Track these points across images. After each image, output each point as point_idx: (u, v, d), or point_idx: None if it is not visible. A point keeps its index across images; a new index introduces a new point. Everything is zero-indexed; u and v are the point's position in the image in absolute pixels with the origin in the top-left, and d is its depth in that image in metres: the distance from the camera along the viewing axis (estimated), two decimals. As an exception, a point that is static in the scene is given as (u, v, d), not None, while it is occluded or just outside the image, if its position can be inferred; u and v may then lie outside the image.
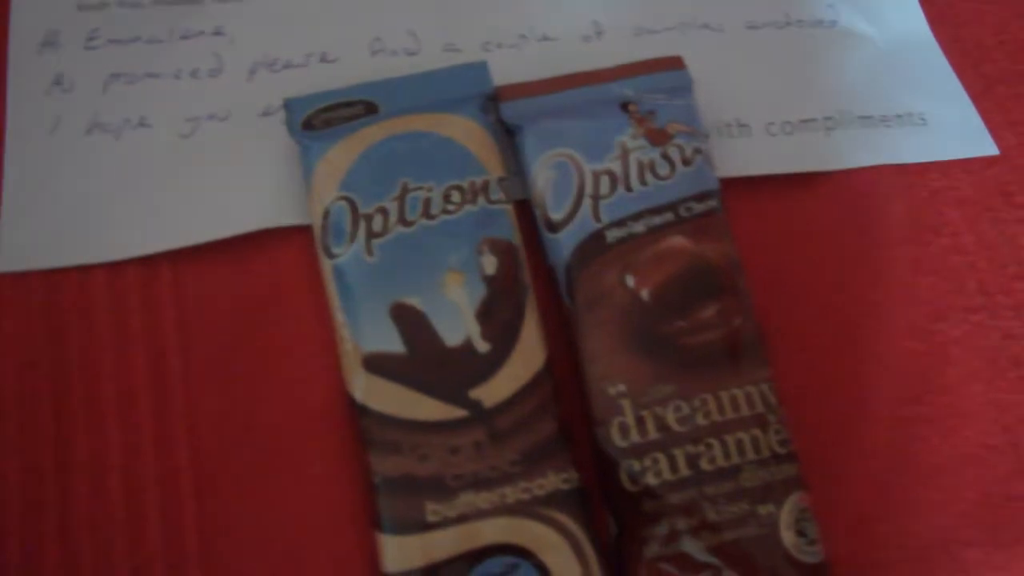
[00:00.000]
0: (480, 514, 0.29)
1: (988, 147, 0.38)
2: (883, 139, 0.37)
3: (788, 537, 0.30)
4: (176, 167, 0.35)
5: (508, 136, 0.34)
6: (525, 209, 0.34)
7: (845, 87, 0.38)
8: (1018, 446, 0.34)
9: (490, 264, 0.32)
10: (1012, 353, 0.35)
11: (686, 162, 0.33)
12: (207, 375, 0.32)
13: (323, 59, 0.37)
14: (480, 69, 0.35)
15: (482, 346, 0.31)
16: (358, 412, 0.30)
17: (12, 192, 0.34)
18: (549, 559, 0.29)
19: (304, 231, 0.34)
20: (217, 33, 0.37)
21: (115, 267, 0.34)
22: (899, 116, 0.38)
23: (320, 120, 0.34)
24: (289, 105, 0.34)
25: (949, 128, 0.38)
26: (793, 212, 0.36)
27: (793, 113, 0.37)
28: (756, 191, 0.35)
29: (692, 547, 0.30)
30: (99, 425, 0.32)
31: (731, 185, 0.34)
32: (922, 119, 0.38)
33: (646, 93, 0.34)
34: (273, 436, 0.32)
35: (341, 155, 0.33)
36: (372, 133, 0.33)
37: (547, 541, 0.29)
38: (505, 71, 0.35)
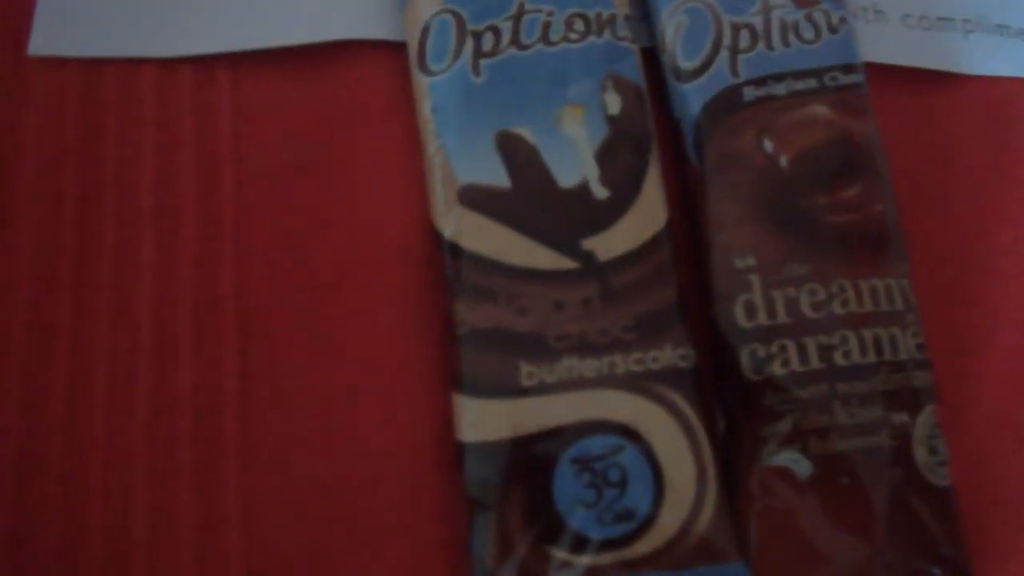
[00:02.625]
0: (584, 383, 0.23)
1: None
2: (1020, 52, 0.31)
3: (920, 452, 0.24)
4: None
5: (635, -26, 0.28)
6: (649, 61, 0.27)
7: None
8: None
9: (614, 103, 0.25)
10: None
11: (832, 29, 0.27)
12: (264, 195, 0.26)
13: None
14: None
15: (600, 192, 0.24)
16: (447, 251, 0.24)
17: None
18: (658, 443, 0.23)
19: (394, 48, 0.27)
20: None
21: (167, 65, 0.27)
22: (1036, 31, 0.32)
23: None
24: (388, -98, 0.27)
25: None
26: (922, 111, 0.30)
27: (931, 8, 0.31)
28: (885, 82, 0.29)
29: (818, 450, 0.24)
30: (131, 238, 0.25)
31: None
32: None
33: (791, -48, 0.28)
34: (336, 272, 0.25)
35: (448, -35, 0.26)
36: (486, -56, 0.26)
37: (659, 423, 0.23)
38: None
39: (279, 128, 0.26)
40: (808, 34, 0.27)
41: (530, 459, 0.23)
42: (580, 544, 0.22)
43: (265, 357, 0.24)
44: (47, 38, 0.26)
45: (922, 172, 0.29)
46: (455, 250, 0.24)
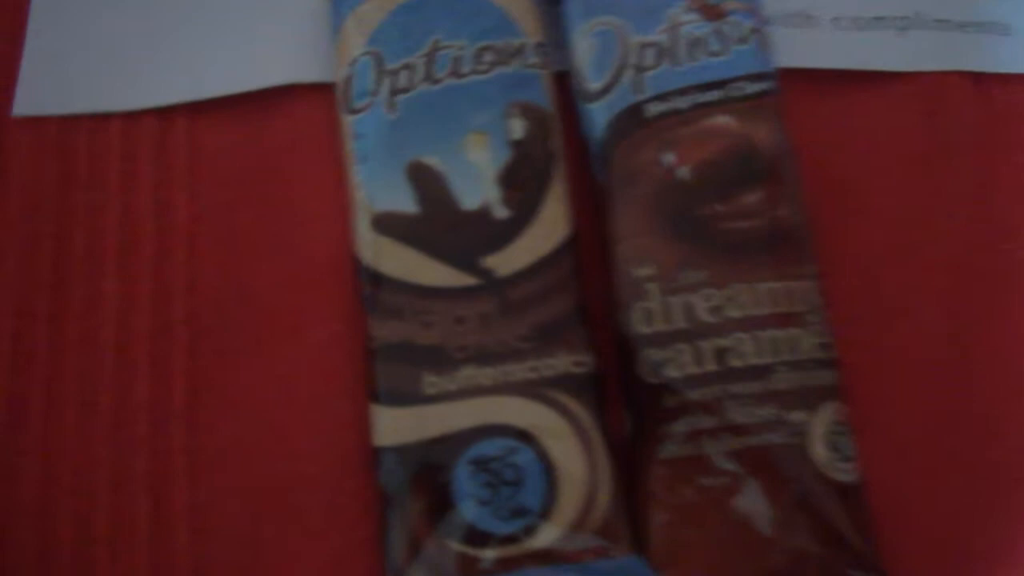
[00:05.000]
0: (481, 391, 0.25)
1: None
2: (960, 45, 0.32)
3: (819, 450, 0.25)
4: (199, 18, 0.31)
5: (550, 2, 0.30)
6: (564, 83, 0.29)
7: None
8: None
9: (518, 128, 0.27)
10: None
11: (741, 40, 0.28)
12: (213, 229, 0.29)
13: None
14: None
15: (500, 212, 0.26)
16: (363, 274, 0.26)
17: (34, 38, 0.31)
18: (552, 446, 0.25)
19: (327, 89, 0.29)
20: None
21: (132, 117, 0.30)
22: (980, 23, 0.32)
23: (355, -24, 0.29)
24: (323, -43, 0.30)
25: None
26: (856, 111, 0.31)
27: (864, 9, 0.32)
28: (818, 86, 0.30)
29: (712, 449, 0.25)
30: (97, 272, 0.28)
31: (791, 78, 0.29)
32: (1005, 28, 0.32)
33: (704, -33, 0.29)
34: (274, 298, 0.28)
35: (373, 9, 0.29)
36: (406, -11, 0.29)
37: (552, 426, 0.25)
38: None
39: (228, 167, 0.29)
40: (716, 46, 0.28)
41: (433, 461, 0.25)
42: (481, 539, 0.25)
43: (212, 374, 0.27)
44: (29, 100, 0.30)
45: (850, 170, 0.30)
46: (370, 273, 0.26)
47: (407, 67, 0.28)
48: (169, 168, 0.29)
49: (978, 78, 0.32)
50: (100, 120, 0.30)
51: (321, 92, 0.30)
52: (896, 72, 0.31)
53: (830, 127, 0.31)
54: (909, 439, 0.28)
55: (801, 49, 0.31)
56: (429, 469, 0.25)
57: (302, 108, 0.30)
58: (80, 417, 0.27)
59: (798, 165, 0.28)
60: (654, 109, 0.28)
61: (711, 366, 0.26)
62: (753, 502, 0.25)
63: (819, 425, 0.26)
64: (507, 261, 0.26)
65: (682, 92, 0.28)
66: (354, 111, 0.28)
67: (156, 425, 0.27)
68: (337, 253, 0.28)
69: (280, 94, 0.30)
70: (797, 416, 0.26)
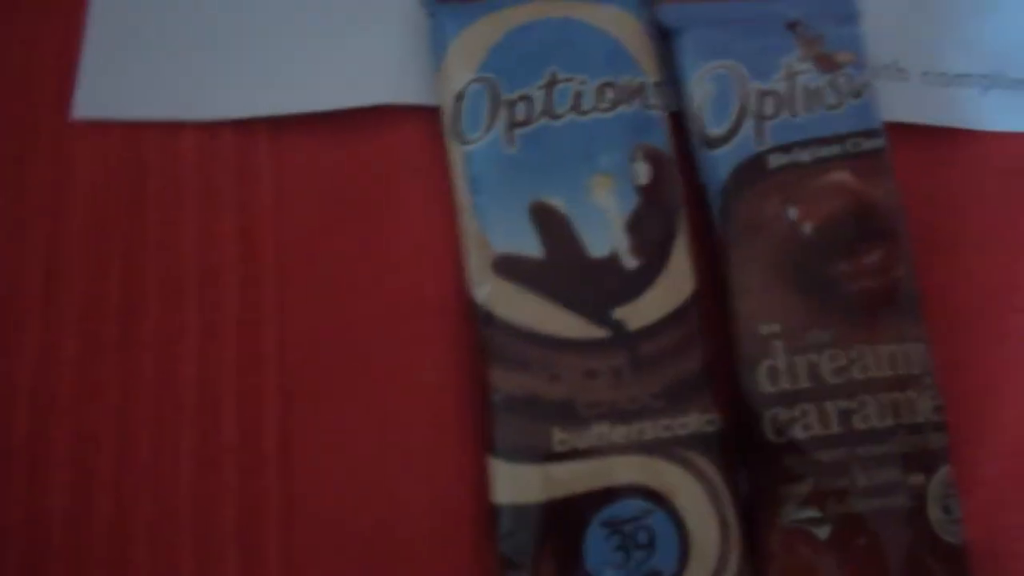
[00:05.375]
0: (613, 449, 0.24)
1: None
2: (1036, 105, 0.32)
3: (934, 512, 0.25)
4: (281, 27, 0.29)
5: (663, 40, 0.29)
6: (675, 123, 0.28)
7: (1005, 47, 0.33)
8: None
9: (644, 173, 0.26)
10: None
11: (855, 94, 0.28)
12: (303, 258, 0.27)
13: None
14: (638, -37, 0.29)
15: (630, 261, 0.25)
16: (481, 319, 0.25)
17: (97, 29, 0.28)
18: (684, 506, 0.24)
19: (425, 113, 0.28)
20: None
21: (209, 128, 0.28)
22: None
23: (459, -5, 0.28)
24: (423, -27, 0.28)
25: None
26: (940, 168, 0.31)
27: (951, 65, 0.32)
28: (907, 140, 0.30)
29: (834, 511, 0.25)
30: (175, 300, 0.26)
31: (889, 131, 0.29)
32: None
33: (814, 15, 0.29)
34: (374, 335, 0.26)
35: (481, 34, 0.27)
36: (517, 13, 0.28)
37: (685, 486, 0.24)
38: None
39: (318, 191, 0.27)
40: (832, 99, 0.28)
41: (561, 522, 0.24)
42: (614, 605, 0.24)
43: (306, 416, 0.26)
44: (91, 101, 0.27)
45: (938, 230, 0.30)
46: (489, 318, 0.25)
47: (524, 98, 0.26)
48: (253, 188, 0.27)
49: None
50: (171, 130, 0.27)
51: (420, 115, 0.28)
52: (980, 131, 0.31)
53: (913, 182, 0.31)
54: (997, 501, 0.28)
55: (892, 103, 0.31)
56: (557, 530, 0.24)
57: (400, 132, 0.28)
58: (158, 460, 0.25)
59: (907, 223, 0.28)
60: (777, 160, 0.27)
61: (836, 428, 0.25)
62: (871, 564, 0.25)
63: (935, 487, 0.26)
64: (638, 314, 0.25)
65: (803, 145, 0.27)
66: (467, 141, 0.26)
67: (246, 472, 0.25)
68: (444, 291, 0.26)
69: (374, 115, 0.28)
70: (916, 479, 0.26)
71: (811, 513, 0.25)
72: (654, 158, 0.26)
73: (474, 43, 0.27)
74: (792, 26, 0.29)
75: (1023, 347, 0.29)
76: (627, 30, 0.28)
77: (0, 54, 0.28)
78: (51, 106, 0.27)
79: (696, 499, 0.24)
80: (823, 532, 0.25)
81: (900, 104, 0.31)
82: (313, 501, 0.25)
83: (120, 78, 0.28)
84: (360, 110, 0.28)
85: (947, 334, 0.29)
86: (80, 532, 0.24)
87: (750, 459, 0.26)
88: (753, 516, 0.26)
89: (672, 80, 0.29)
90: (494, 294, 0.25)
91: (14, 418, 0.25)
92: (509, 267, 0.25)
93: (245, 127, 0.28)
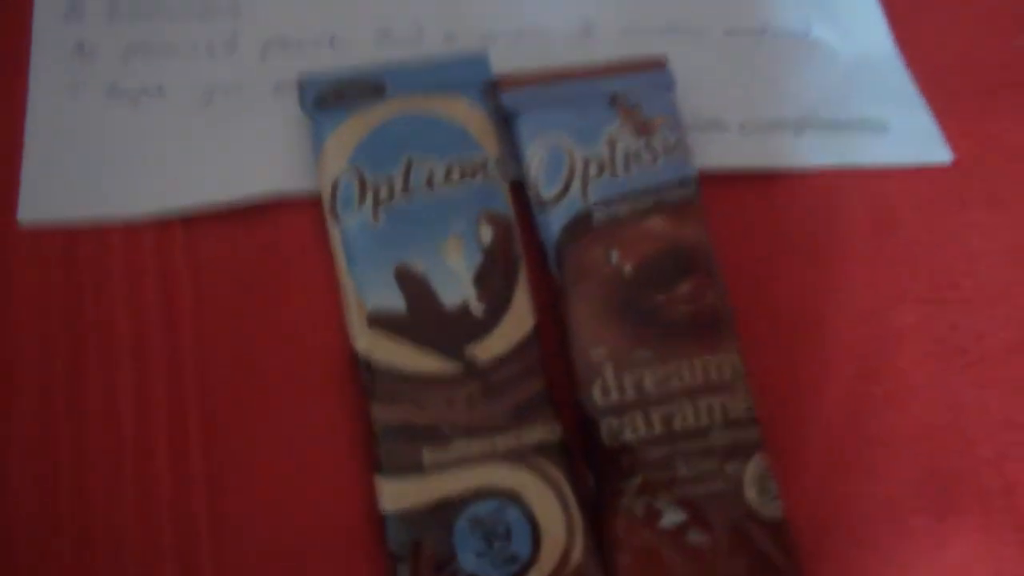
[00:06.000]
0: (473, 460, 0.34)
1: (944, 155, 0.43)
2: (847, 143, 0.43)
3: (751, 493, 0.35)
4: (190, 133, 0.40)
5: (504, 122, 0.39)
6: (517, 191, 0.38)
7: (814, 93, 0.43)
8: (961, 426, 0.39)
9: (487, 234, 0.36)
10: (957, 342, 0.40)
11: (668, 151, 0.39)
12: (219, 325, 0.37)
13: (331, 43, 0.41)
14: (481, 58, 0.40)
15: (477, 308, 0.35)
16: (362, 364, 0.35)
17: (33, 149, 0.39)
18: (535, 503, 0.34)
19: (310, 200, 0.38)
20: (233, 12, 0.42)
21: (131, 228, 0.38)
22: (862, 122, 0.43)
23: (331, 98, 0.38)
24: (302, 82, 0.39)
25: (908, 136, 0.43)
26: (762, 205, 0.41)
27: (765, 114, 0.42)
28: (730, 185, 0.41)
29: (664, 498, 0.35)
30: (112, 367, 0.36)
31: (706, 178, 0.40)
32: (883, 126, 0.43)
33: (633, 89, 0.40)
34: (280, 382, 0.36)
35: (351, 131, 0.38)
36: (380, 112, 0.38)
37: (533, 487, 0.34)
38: (501, 61, 0.40)
39: (228, 270, 0.38)
40: (647, 157, 0.38)
41: (435, 521, 0.34)
42: (479, 585, 0.34)
43: (228, 449, 0.36)
44: (30, 207, 0.38)
45: (760, 257, 0.40)
46: (367, 363, 0.35)
47: (387, 180, 0.37)
48: (172, 274, 0.37)
49: (863, 172, 0.43)
50: (100, 231, 0.38)
51: (306, 202, 0.38)
52: (793, 170, 0.42)
53: (739, 220, 0.41)
54: (818, 481, 0.38)
55: (713, 153, 0.41)
56: (431, 529, 0.34)
57: (289, 217, 0.38)
58: (107, 494, 0.35)
59: (717, 257, 0.38)
60: (600, 215, 0.37)
61: (659, 429, 0.35)
62: (700, 540, 0.35)
63: (750, 473, 0.36)
64: (486, 350, 0.35)
65: (622, 199, 0.38)
66: (342, 220, 0.37)
67: (178, 490, 0.35)
68: (332, 344, 0.37)
69: (267, 205, 0.38)
70: (732, 467, 0.35)
71: (646, 500, 0.35)
72: (496, 221, 0.37)
73: (345, 138, 0.38)
74: (614, 100, 0.39)
75: (838, 353, 0.39)
76: (471, 117, 0.38)
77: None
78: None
79: (543, 496, 0.34)
80: (657, 516, 0.35)
81: (722, 153, 0.41)
82: (237, 518, 0.35)
83: (54, 187, 0.38)
84: (256, 202, 0.38)
85: (772, 344, 0.39)
86: (44, 556, 0.34)
87: (593, 461, 0.36)
88: (600, 509, 0.36)
89: (513, 154, 0.39)
90: (370, 344, 0.35)
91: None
92: (381, 320, 0.35)
93: (162, 225, 0.38)
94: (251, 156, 0.39)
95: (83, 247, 0.38)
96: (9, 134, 0.39)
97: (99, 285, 0.37)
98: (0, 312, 0.37)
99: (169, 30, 0.41)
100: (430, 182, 0.37)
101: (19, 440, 0.35)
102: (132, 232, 0.38)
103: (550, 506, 0.34)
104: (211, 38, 0.41)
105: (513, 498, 0.34)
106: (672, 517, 0.35)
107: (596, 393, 0.36)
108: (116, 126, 0.39)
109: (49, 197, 0.38)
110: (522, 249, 0.37)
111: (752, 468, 0.36)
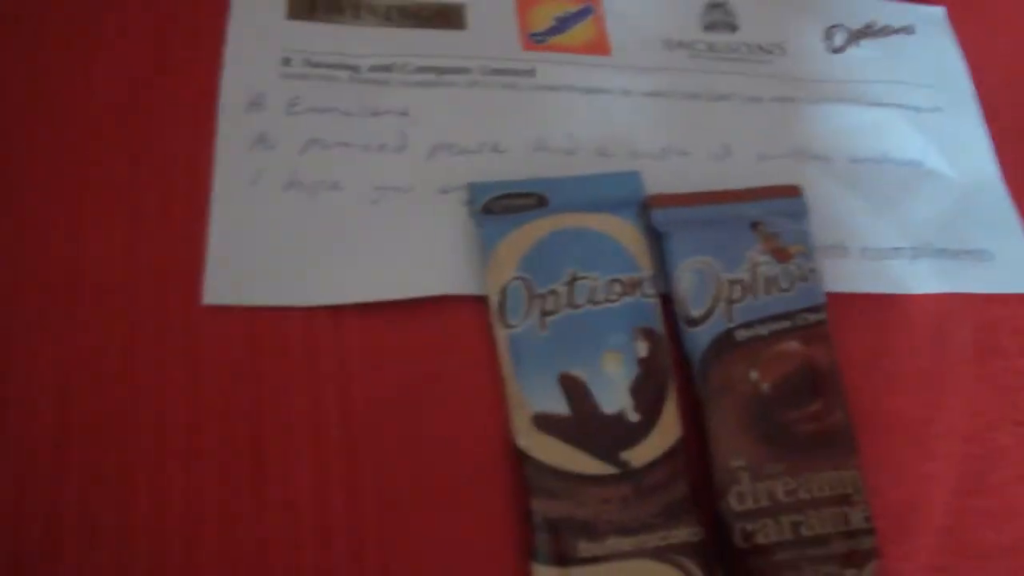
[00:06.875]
0: (623, 555, 0.40)
1: (1042, 284, 0.49)
2: (956, 270, 0.48)
3: (864, 598, 0.41)
4: (364, 229, 0.45)
5: (655, 238, 0.45)
6: (664, 301, 0.44)
7: (927, 222, 0.49)
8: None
9: (643, 348, 0.42)
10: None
11: (803, 279, 0.44)
12: (388, 417, 0.42)
13: (494, 149, 0.47)
14: (634, 177, 0.46)
15: (633, 416, 0.41)
16: (524, 461, 0.41)
17: (217, 234, 0.44)
18: (677, 598, 0.40)
19: (473, 301, 0.44)
20: (403, 113, 0.47)
21: (308, 315, 0.44)
22: (970, 251, 0.49)
23: (498, 206, 0.44)
24: (472, 189, 0.44)
25: (1012, 265, 0.49)
26: (879, 326, 0.47)
27: (884, 241, 0.48)
28: (850, 304, 0.46)
29: (789, 598, 0.41)
30: (292, 450, 0.41)
31: (830, 297, 0.45)
32: (989, 255, 0.49)
33: (771, 216, 0.45)
34: (444, 476, 0.42)
35: (518, 240, 0.43)
36: (544, 224, 0.44)
37: (676, 582, 0.40)
38: (650, 179, 0.46)
39: (394, 367, 0.43)
40: (784, 284, 0.44)
41: (587, 610, 0.39)
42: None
43: (398, 538, 0.41)
44: (215, 290, 0.43)
45: (876, 375, 0.46)
46: (529, 460, 0.41)
47: (553, 292, 0.42)
48: (345, 362, 0.43)
49: (970, 297, 0.48)
50: (281, 314, 0.43)
51: (470, 303, 0.44)
52: (909, 294, 0.47)
53: (859, 339, 0.47)
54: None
55: (838, 276, 0.47)
56: (584, 616, 0.39)
57: (454, 316, 0.44)
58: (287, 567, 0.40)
59: (843, 376, 0.44)
60: (742, 335, 0.43)
61: (788, 535, 0.41)
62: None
63: (864, 567, 0.41)
64: (639, 455, 0.41)
65: (762, 321, 0.43)
66: (510, 326, 0.42)
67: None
68: (495, 437, 0.42)
69: (435, 302, 0.44)
70: (851, 572, 0.41)
71: (772, 601, 0.41)
72: (650, 337, 0.42)
73: (513, 247, 0.43)
74: (755, 226, 0.45)
75: (942, 469, 0.45)
76: (627, 235, 0.44)
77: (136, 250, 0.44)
78: (182, 294, 0.43)
79: (685, 592, 0.40)
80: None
81: (844, 277, 0.47)
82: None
83: (237, 271, 0.43)
84: (425, 298, 0.44)
85: (883, 457, 0.45)
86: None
87: (726, 561, 0.42)
88: (730, 604, 0.41)
89: (662, 269, 0.45)
90: (533, 442, 0.41)
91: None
92: (544, 422, 0.41)
93: (337, 311, 0.44)
94: (420, 256, 0.44)
95: (263, 327, 0.43)
96: (197, 219, 0.44)
97: (278, 366, 0.43)
98: (186, 387, 0.42)
99: (344, 126, 0.47)
100: (593, 296, 0.42)
101: (200, 514, 0.40)
102: (310, 315, 0.43)
103: (691, 602, 0.40)
104: (382, 137, 0.46)
105: (659, 592, 0.39)
106: (796, 615, 0.40)
107: (732, 500, 0.41)
108: (294, 216, 0.45)
109: (230, 282, 0.43)
110: (672, 364, 0.43)
111: (867, 573, 0.41)
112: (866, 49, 0.55)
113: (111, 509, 0.39)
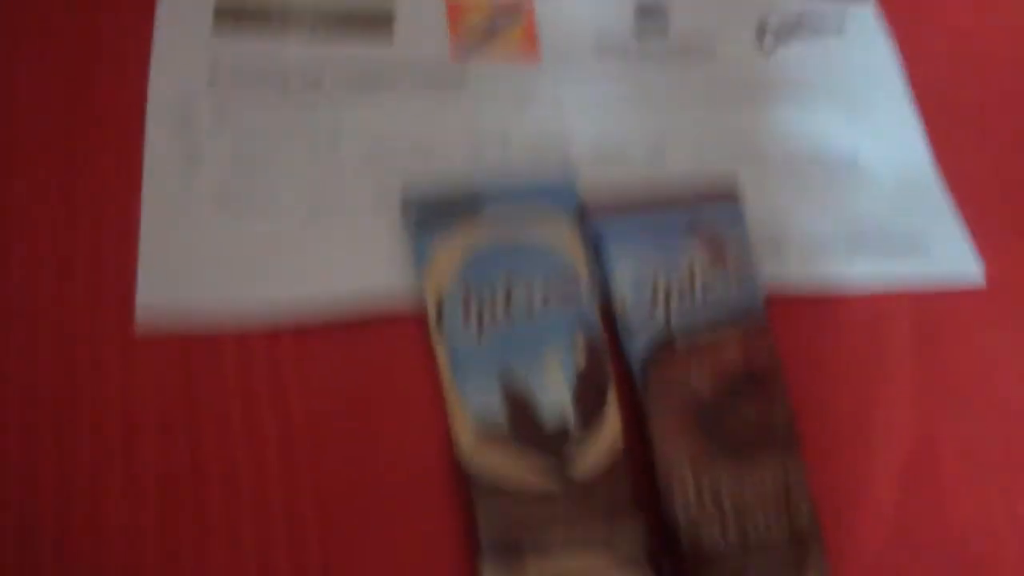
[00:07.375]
0: (571, 566, 0.40)
1: (977, 275, 0.51)
2: (893, 263, 0.50)
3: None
4: (297, 243, 0.45)
5: (592, 245, 0.46)
6: (603, 308, 0.45)
7: (863, 217, 0.50)
8: (993, 529, 0.46)
9: (582, 356, 0.43)
10: (987, 454, 0.48)
11: (741, 281, 0.45)
12: (328, 434, 0.43)
13: (427, 158, 0.48)
14: (569, 184, 0.46)
15: (575, 424, 0.42)
16: (466, 473, 0.41)
17: (147, 256, 0.44)
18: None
19: (411, 313, 0.44)
20: (334, 125, 0.48)
21: (242, 338, 0.44)
22: (906, 244, 0.50)
23: (433, 217, 0.44)
24: (406, 200, 0.45)
25: (947, 257, 0.51)
26: (818, 323, 0.48)
27: (821, 237, 0.49)
28: (790, 304, 0.48)
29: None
30: (232, 473, 0.42)
31: (771, 298, 0.46)
32: (925, 248, 0.51)
33: (709, 219, 0.46)
34: (388, 497, 0.42)
35: (453, 250, 0.44)
36: (480, 234, 0.44)
37: (623, 579, 0.41)
38: (586, 185, 0.46)
39: (334, 379, 0.44)
40: (722, 288, 0.45)
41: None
42: None
43: (340, 563, 0.41)
44: (146, 316, 0.43)
45: (814, 372, 0.47)
46: (471, 471, 0.41)
47: (491, 302, 0.43)
48: (282, 384, 0.43)
49: (907, 293, 0.50)
50: (213, 340, 0.43)
51: (410, 315, 0.44)
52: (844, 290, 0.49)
53: (799, 338, 0.48)
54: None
55: (773, 272, 0.48)
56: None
57: (394, 330, 0.44)
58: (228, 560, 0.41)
59: (785, 375, 0.45)
60: (682, 340, 0.44)
61: (734, 536, 0.42)
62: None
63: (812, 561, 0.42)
64: (582, 463, 0.41)
65: (702, 325, 0.44)
66: (448, 337, 0.43)
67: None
68: (440, 454, 0.43)
69: (373, 318, 0.44)
70: (797, 569, 0.42)
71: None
72: (589, 344, 0.43)
73: (449, 258, 0.44)
74: (692, 230, 0.46)
75: (882, 456, 0.46)
76: (564, 242, 0.44)
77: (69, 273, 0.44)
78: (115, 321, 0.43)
79: (631, 591, 0.41)
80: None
81: (781, 274, 0.48)
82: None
83: (171, 292, 0.44)
84: (363, 314, 0.44)
85: (826, 454, 0.46)
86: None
87: (675, 565, 0.42)
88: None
89: (600, 276, 0.45)
90: (474, 454, 0.41)
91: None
92: (485, 433, 0.42)
93: (273, 333, 0.44)
94: (355, 269, 0.45)
95: (197, 354, 0.43)
96: (127, 240, 0.44)
97: (213, 394, 0.43)
98: (119, 416, 0.42)
99: (276, 141, 0.47)
100: (531, 305, 0.43)
101: (142, 542, 0.40)
102: (243, 340, 0.44)
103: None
104: (314, 151, 0.47)
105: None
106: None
107: (678, 503, 0.42)
108: (226, 234, 0.45)
109: (164, 303, 0.43)
110: (611, 368, 0.43)
111: (813, 560, 0.42)
112: (797, 47, 0.56)
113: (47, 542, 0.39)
